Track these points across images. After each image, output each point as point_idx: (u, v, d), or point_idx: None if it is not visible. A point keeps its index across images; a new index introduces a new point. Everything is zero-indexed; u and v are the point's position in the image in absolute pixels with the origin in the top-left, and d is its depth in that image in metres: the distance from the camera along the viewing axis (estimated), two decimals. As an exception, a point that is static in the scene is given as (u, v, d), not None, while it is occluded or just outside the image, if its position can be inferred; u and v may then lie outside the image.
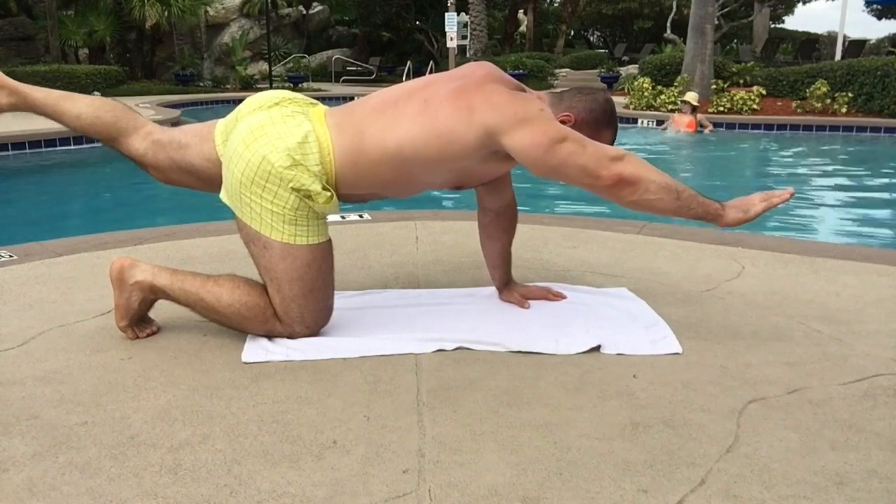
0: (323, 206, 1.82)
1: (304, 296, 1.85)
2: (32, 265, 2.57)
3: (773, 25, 27.34)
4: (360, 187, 1.89)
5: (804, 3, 29.57)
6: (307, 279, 1.84)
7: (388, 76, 21.23)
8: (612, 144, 1.97)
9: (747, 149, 8.68)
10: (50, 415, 1.52)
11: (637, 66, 15.56)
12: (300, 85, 17.88)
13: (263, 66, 19.18)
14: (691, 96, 9.70)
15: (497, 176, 2.02)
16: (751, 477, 1.32)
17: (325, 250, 1.88)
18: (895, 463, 1.37)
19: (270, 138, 1.79)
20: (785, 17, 31.21)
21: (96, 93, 13.71)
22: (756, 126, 10.00)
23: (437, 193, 5.10)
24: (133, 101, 11.94)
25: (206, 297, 1.86)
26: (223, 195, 1.90)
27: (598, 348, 1.87)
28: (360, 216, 3.37)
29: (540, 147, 1.72)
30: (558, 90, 2.02)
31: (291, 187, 1.78)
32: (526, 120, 1.74)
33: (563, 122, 1.86)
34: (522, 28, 27.13)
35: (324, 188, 1.81)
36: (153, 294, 1.90)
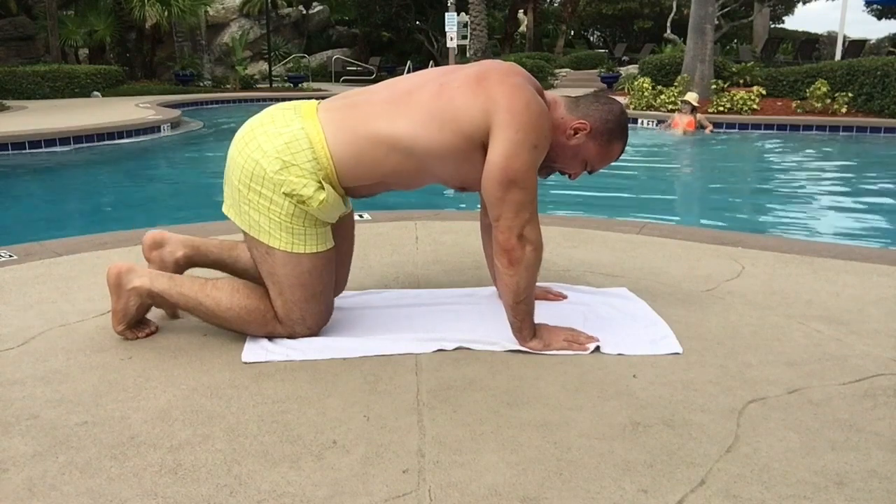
0: (319, 209, 1.79)
1: (305, 300, 1.85)
2: (32, 265, 2.58)
3: (773, 25, 27.36)
4: (364, 178, 1.85)
5: (804, 3, 29.58)
6: (308, 285, 1.84)
7: (388, 76, 21.21)
8: (620, 156, 1.99)
9: (747, 149, 8.68)
10: (50, 415, 1.52)
11: (637, 66, 15.56)
12: (300, 85, 17.88)
13: (263, 66, 19.20)
14: (691, 96, 9.70)
15: None
16: (751, 477, 1.32)
17: (326, 258, 1.87)
18: (895, 463, 1.37)
19: (260, 142, 1.79)
20: (785, 17, 31.25)
21: (96, 93, 13.72)
22: (756, 126, 10.00)
23: (437, 193, 5.10)
24: (133, 101, 11.95)
25: (206, 302, 1.85)
26: (225, 208, 1.90)
27: (598, 348, 1.88)
28: (360, 216, 3.37)
29: (499, 170, 1.72)
30: (574, 95, 2.01)
31: (283, 192, 1.77)
32: (516, 148, 1.72)
33: (578, 128, 1.86)
34: (522, 28, 27.13)
35: (320, 188, 1.79)
36: (151, 299, 1.89)
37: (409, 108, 1.80)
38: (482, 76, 1.79)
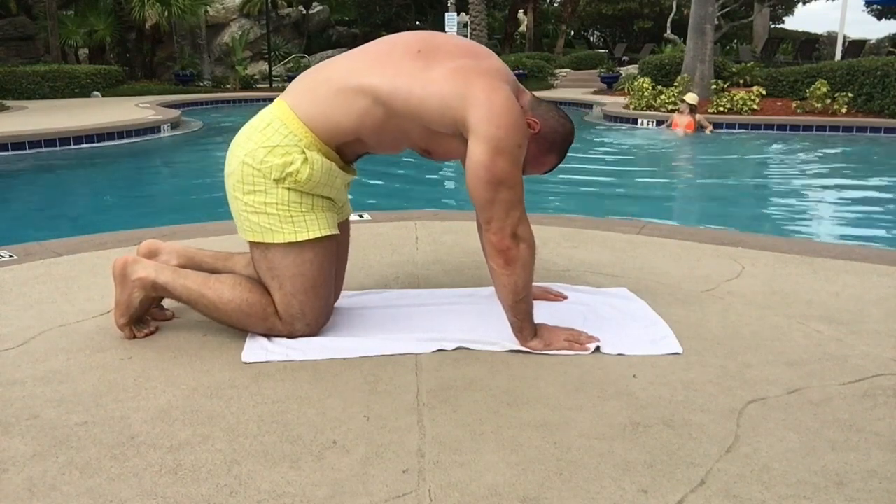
0: (311, 181, 1.80)
1: (304, 292, 1.85)
2: (32, 265, 2.58)
3: (773, 25, 27.38)
4: (340, 131, 1.82)
5: (804, 3, 29.57)
6: (308, 276, 1.84)
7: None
8: (552, 170, 1.99)
9: (747, 149, 8.67)
10: (50, 415, 1.52)
11: (637, 66, 15.55)
12: (300, 85, 17.82)
13: (263, 66, 19.19)
14: (690, 97, 9.68)
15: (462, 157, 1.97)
16: (751, 477, 1.32)
17: (325, 248, 1.88)
18: (895, 463, 1.37)
19: (243, 146, 1.83)
20: (785, 18, 31.30)
21: (96, 93, 13.71)
22: (756, 126, 9.99)
23: (438, 194, 5.10)
24: (133, 101, 11.95)
25: (208, 294, 1.86)
26: (239, 233, 1.91)
27: (598, 348, 1.88)
28: (360, 216, 3.37)
29: (486, 170, 1.72)
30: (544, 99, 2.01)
31: (274, 179, 1.79)
32: (500, 145, 1.71)
33: (529, 125, 1.84)
34: (522, 28, 27.14)
35: (306, 159, 1.78)
36: (155, 291, 1.90)
37: (379, 65, 1.80)
38: (466, 69, 1.77)
